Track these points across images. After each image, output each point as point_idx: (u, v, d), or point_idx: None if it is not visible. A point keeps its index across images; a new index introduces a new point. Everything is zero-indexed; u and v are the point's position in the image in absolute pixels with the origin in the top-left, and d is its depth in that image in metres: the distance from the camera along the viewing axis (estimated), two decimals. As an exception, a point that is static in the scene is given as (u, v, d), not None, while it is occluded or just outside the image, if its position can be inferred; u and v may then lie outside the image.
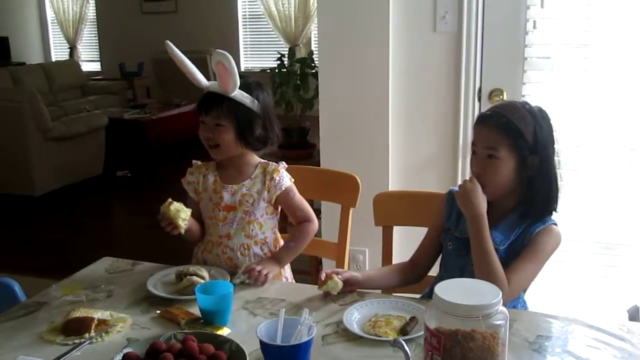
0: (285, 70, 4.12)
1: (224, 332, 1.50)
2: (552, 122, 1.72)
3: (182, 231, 1.85)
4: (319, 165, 2.96)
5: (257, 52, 9.08)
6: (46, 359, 1.43)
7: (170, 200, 1.85)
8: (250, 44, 9.06)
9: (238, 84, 1.83)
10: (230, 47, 8.79)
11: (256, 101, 1.89)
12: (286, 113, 4.18)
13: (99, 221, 5.15)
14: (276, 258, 1.93)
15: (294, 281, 2.09)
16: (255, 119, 1.89)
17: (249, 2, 8.86)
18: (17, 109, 5.12)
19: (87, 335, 1.52)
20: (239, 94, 1.85)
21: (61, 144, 5.35)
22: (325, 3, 2.90)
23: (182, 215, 1.82)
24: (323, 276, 1.71)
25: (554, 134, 1.72)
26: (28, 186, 5.23)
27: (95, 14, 9.56)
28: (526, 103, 1.74)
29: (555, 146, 1.72)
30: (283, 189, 1.94)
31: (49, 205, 5.31)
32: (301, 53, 7.37)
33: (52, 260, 4.19)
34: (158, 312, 1.63)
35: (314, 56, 4.10)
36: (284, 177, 1.95)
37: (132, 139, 6.32)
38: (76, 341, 1.51)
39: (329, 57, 2.94)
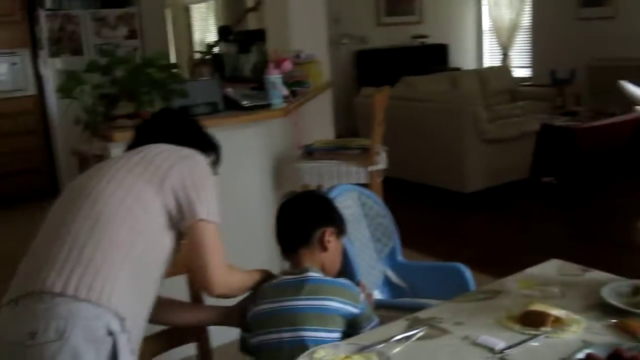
0: None
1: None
2: None
3: None
4: None
5: None
6: (506, 342, 1.56)
7: None
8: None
9: None
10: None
11: None
12: None
13: (519, 223, 5.28)
14: None
15: None
16: None
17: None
18: (457, 111, 5.54)
19: (543, 329, 1.62)
20: None
21: (493, 146, 5.61)
22: None
23: None
24: None
25: None
26: (460, 183, 5.63)
27: (530, 21, 9.71)
28: None
29: None
30: None
31: (476, 203, 5.63)
32: None
33: (474, 253, 4.46)
34: (613, 321, 1.64)
35: None
36: None
37: (561, 146, 6.28)
38: (532, 332, 1.61)
39: None
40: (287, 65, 3.76)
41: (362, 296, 1.83)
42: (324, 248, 1.88)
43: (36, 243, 1.64)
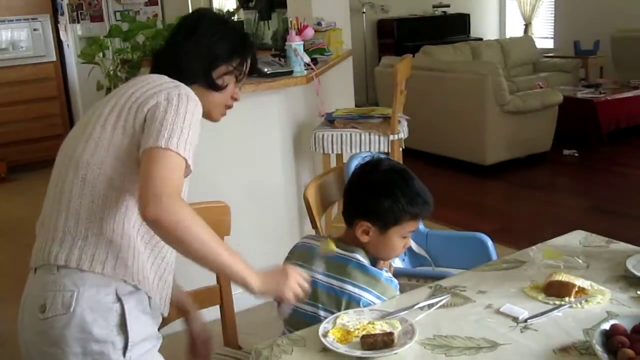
0: None
1: None
2: None
3: None
4: None
5: None
6: (529, 312, 1.56)
7: None
8: None
9: None
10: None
11: None
12: None
13: (539, 196, 5.23)
14: None
15: None
16: None
17: None
18: (480, 81, 5.47)
19: (567, 299, 1.61)
20: None
21: (515, 117, 5.54)
22: None
23: None
24: None
25: None
26: (480, 155, 5.58)
27: (554, -9, 9.54)
28: None
29: None
30: None
31: (496, 175, 5.59)
32: None
33: (494, 224, 4.43)
34: (638, 292, 1.63)
35: None
36: None
37: (583, 119, 6.20)
38: (556, 302, 1.61)
39: None
40: (309, 32, 3.73)
41: (398, 291, 1.77)
42: (360, 239, 1.76)
43: (42, 211, 1.59)
